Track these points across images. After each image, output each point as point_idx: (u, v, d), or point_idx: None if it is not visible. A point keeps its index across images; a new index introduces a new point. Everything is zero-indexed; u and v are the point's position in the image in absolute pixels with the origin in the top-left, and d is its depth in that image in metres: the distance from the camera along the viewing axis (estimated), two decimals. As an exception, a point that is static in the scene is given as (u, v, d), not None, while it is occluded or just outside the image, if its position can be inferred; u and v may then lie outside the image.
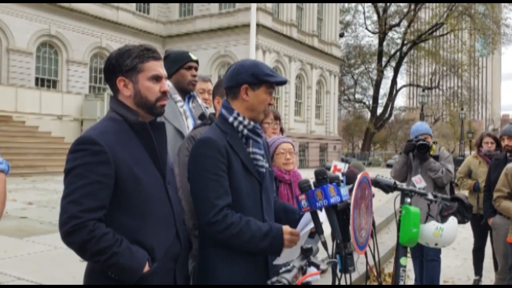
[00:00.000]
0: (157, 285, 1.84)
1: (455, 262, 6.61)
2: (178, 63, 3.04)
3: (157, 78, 1.90)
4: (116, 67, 1.88)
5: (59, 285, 3.92)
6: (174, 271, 1.92)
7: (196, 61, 3.12)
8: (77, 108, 23.12)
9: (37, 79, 25.05)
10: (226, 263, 1.98)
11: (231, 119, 2.07)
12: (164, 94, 1.91)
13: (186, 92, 3.07)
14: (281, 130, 3.73)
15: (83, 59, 27.06)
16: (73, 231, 1.68)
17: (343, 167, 1.97)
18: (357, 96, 49.52)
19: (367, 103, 48.53)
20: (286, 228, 1.97)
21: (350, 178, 1.96)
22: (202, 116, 2.81)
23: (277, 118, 3.64)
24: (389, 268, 5.90)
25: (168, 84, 3.07)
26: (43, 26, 24.87)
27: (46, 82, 25.64)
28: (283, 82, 2.11)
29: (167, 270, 1.88)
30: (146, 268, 1.77)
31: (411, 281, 5.33)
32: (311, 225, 1.94)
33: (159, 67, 1.92)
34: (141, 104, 1.89)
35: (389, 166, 34.24)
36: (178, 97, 3.00)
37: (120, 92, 1.90)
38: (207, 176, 1.96)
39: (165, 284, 1.88)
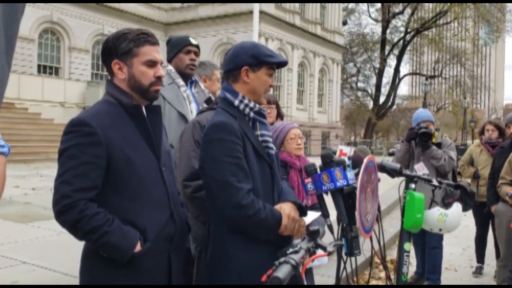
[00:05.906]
0: (151, 267, 1.84)
1: (458, 250, 6.63)
2: (176, 47, 3.05)
3: (151, 63, 1.90)
4: (112, 50, 1.89)
5: (59, 285, 3.97)
6: (168, 251, 1.91)
7: (196, 46, 3.10)
8: (80, 95, 23.11)
9: (39, 66, 25.01)
10: (245, 249, 1.88)
11: (236, 102, 1.99)
12: (158, 79, 1.91)
13: (185, 76, 3.06)
14: (281, 116, 3.62)
15: (85, 46, 26.98)
16: (64, 211, 1.70)
17: (349, 151, 1.97)
18: (359, 84, 49.42)
19: (369, 91, 48.35)
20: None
21: (356, 162, 1.96)
22: (208, 101, 2.80)
23: (269, 102, 3.47)
24: (391, 255, 5.93)
25: (170, 69, 3.09)
26: (45, 13, 24.74)
27: (48, 69, 25.61)
28: (283, 63, 2.05)
29: (161, 250, 1.88)
30: (138, 247, 1.78)
31: (413, 267, 5.36)
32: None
33: (154, 52, 1.91)
34: (135, 88, 1.90)
35: (391, 154, 34.24)
36: (181, 81, 3.01)
37: (115, 75, 1.92)
38: (227, 160, 1.86)
39: (159, 264, 1.88)
